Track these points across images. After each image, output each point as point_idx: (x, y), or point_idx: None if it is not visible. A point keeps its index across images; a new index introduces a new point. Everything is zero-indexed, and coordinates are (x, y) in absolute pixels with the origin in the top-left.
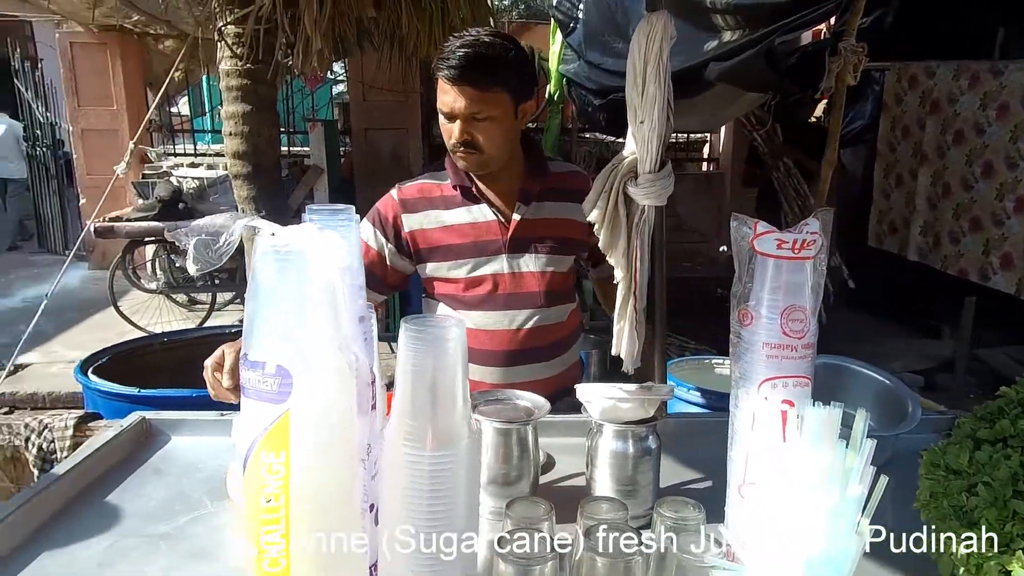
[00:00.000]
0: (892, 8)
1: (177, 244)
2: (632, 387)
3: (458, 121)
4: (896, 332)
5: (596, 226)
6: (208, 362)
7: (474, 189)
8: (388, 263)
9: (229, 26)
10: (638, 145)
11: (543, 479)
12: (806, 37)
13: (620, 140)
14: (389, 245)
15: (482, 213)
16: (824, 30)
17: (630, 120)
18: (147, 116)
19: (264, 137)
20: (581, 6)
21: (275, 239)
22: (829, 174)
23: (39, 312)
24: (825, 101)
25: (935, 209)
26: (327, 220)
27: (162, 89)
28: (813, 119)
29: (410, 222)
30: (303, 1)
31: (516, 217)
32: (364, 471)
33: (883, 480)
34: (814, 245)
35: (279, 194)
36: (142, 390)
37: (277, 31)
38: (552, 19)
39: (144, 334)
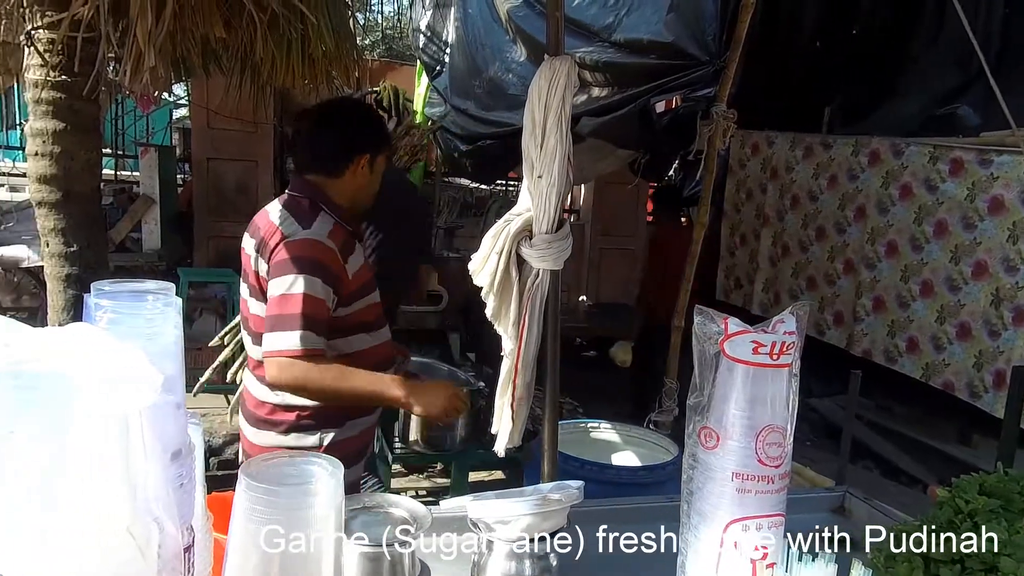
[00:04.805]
0: (735, 79)
1: None
2: (532, 496)
3: None
4: None
5: (484, 291)
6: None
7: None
8: (332, 314)
9: (41, 30)
10: (535, 202)
11: None
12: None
13: (486, 187)
14: (333, 296)
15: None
16: (675, 100)
17: (526, 174)
18: None
19: (80, 160)
20: (448, 50)
21: (11, 353)
22: (702, 235)
23: None
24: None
25: (775, 267)
26: (126, 308)
27: None
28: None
29: (349, 267)
30: (135, 10)
31: None
32: None
33: None
34: (792, 348)
35: (97, 226)
36: None
37: (101, 41)
38: (418, 61)
39: None
